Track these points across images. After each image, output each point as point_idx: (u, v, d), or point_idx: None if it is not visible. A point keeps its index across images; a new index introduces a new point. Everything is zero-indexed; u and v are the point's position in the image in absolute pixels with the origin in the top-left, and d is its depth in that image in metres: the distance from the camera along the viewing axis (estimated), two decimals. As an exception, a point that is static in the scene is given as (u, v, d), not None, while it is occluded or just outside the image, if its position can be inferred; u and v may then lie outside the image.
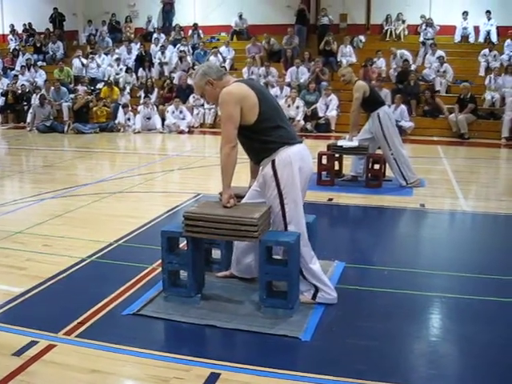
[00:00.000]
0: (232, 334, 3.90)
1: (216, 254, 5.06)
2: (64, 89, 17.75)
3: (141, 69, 19.17)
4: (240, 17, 21.11)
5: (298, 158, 4.25)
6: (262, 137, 4.21)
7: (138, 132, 15.96)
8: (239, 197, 4.47)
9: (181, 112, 16.32)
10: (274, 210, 4.27)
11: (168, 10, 21.85)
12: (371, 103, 8.82)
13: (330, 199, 8.06)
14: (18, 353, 3.60)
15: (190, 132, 16.23)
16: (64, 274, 4.99)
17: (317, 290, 4.35)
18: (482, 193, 9.00)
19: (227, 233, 4.11)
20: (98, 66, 19.44)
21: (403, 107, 14.99)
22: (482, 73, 17.57)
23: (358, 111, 8.84)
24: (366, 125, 9.09)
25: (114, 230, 6.28)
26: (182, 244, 4.68)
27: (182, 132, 15.97)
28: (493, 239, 6.43)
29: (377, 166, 9.05)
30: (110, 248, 5.73)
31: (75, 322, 4.00)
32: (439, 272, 5.19)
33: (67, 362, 3.51)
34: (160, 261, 5.09)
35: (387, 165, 9.08)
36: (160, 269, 4.98)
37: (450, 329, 4.07)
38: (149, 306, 4.29)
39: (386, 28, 20.40)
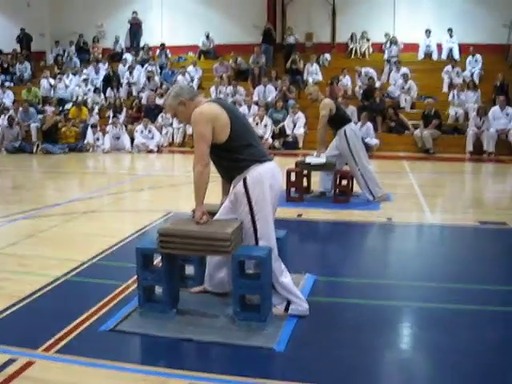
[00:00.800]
0: (208, 346, 4.00)
1: (189, 270, 5.16)
2: (32, 109, 17.75)
3: (109, 89, 19.28)
4: (207, 37, 21.38)
5: (269, 176, 4.39)
6: (233, 155, 4.34)
7: (108, 152, 16.03)
8: (211, 213, 4.58)
9: (149, 131, 16.42)
10: (246, 226, 4.39)
11: (135, 31, 22.04)
12: (338, 120, 9.02)
13: (300, 215, 8.21)
14: (-3, 370, 3.66)
15: (159, 151, 16.35)
16: (40, 293, 5.03)
17: (289, 302, 4.47)
18: (447, 206, 9.24)
19: (201, 248, 4.23)
20: (66, 86, 19.51)
21: (369, 124, 15.29)
22: (445, 89, 18.02)
23: (325, 128, 9.02)
24: (334, 141, 9.27)
25: (88, 249, 6.33)
26: (157, 261, 4.78)
27: (151, 151, 16.08)
28: (460, 250, 6.66)
29: (344, 182, 9.25)
30: (84, 266, 5.79)
31: (53, 339, 4.06)
32: (407, 283, 5.37)
33: (47, 377, 3.59)
34: (134, 278, 5.24)
35: (354, 180, 9.28)
36: (134, 286, 5.10)
37: (418, 337, 4.23)
38: (125, 321, 4.38)
39: (351, 46, 20.82)
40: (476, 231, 7.54)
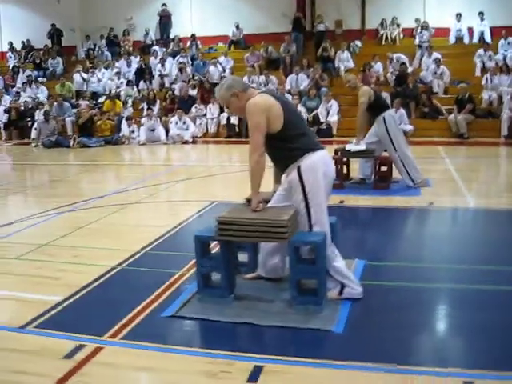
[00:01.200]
0: (268, 330, 4.11)
1: (242, 257, 5.26)
2: (67, 104, 18.00)
3: (141, 81, 19.46)
4: (237, 27, 21.41)
5: (322, 164, 4.47)
6: (287, 144, 4.43)
7: (143, 144, 16.21)
8: (266, 201, 4.68)
9: (184, 123, 16.57)
10: (300, 213, 4.48)
11: (165, 23, 22.18)
12: (376, 107, 9.05)
13: (342, 201, 8.27)
14: (69, 356, 3.79)
15: (194, 142, 16.48)
16: (97, 282, 5.19)
17: (343, 286, 4.56)
18: (487, 190, 9.26)
19: (259, 235, 4.33)
20: (99, 80, 19.74)
21: (402, 111, 15.22)
22: (478, 73, 17.87)
23: (364, 115, 9.06)
24: (372, 128, 9.30)
25: (138, 239, 6.48)
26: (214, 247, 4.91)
27: (186, 142, 16.22)
28: (504, 234, 6.68)
29: (384, 168, 9.29)
30: (136, 256, 5.93)
31: (118, 326, 4.21)
32: (454, 266, 5.44)
33: (117, 362, 3.72)
34: (187, 266, 5.41)
35: (394, 166, 9.31)
36: (189, 273, 5.26)
37: (462, 316, 4.29)
38: (185, 307, 4.50)
39: (381, 32, 20.71)
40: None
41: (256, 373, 3.51)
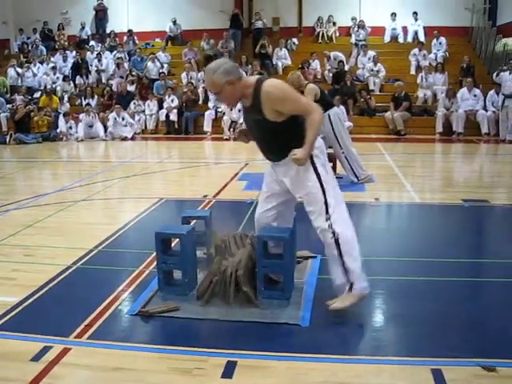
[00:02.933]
0: (234, 325, 4.15)
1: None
2: (1, 99, 17.53)
3: (78, 76, 19.13)
4: (174, 22, 21.32)
5: (324, 149, 4.54)
6: (295, 130, 4.23)
7: (81, 140, 15.97)
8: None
9: (123, 119, 16.40)
10: (315, 198, 4.36)
11: (101, 17, 21.89)
12: (322, 105, 9.05)
13: (289, 198, 8.35)
14: (36, 358, 3.72)
15: (133, 138, 16.33)
16: (55, 282, 5.10)
17: (352, 284, 4.30)
18: (429, 185, 9.57)
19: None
20: (34, 74, 19.33)
21: (342, 108, 15.46)
22: (413, 71, 18.37)
23: (310, 113, 9.16)
24: (317, 125, 9.40)
25: (90, 237, 6.41)
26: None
27: (125, 139, 16.06)
28: (448, 227, 6.93)
29: (329, 165, 9.41)
30: (91, 254, 5.86)
31: (82, 325, 4.16)
32: (401, 258, 5.67)
33: (87, 363, 3.68)
34: (145, 263, 5.40)
35: (338, 163, 9.47)
36: (148, 271, 5.25)
37: (419, 307, 4.45)
38: (148, 305, 4.49)
39: (317, 30, 20.99)
40: (461, 209, 7.80)
41: (230, 368, 3.54)
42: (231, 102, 4.38)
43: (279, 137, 4.29)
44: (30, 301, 4.67)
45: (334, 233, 4.29)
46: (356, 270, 4.26)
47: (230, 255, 4.79)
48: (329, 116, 9.12)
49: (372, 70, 18.01)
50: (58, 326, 4.18)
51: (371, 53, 18.59)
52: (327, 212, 4.31)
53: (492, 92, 15.61)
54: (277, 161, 4.48)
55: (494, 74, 15.61)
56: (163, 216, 7.50)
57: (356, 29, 20.12)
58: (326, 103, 9.23)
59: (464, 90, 15.87)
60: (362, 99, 16.80)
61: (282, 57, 19.40)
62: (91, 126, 16.29)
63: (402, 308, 4.48)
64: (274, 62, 19.28)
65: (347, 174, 9.37)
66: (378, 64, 18.05)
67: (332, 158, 9.28)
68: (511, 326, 4.12)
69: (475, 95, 15.79)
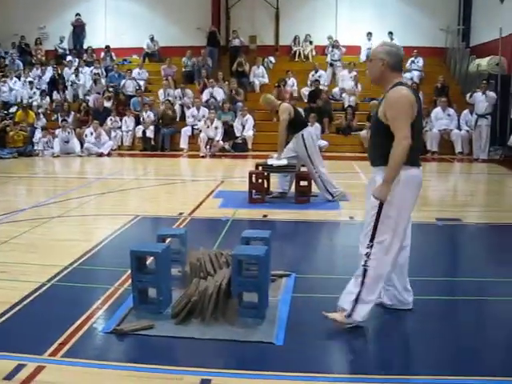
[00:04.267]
0: (209, 344, 4.17)
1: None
2: (-24, 113, 17.45)
3: (55, 92, 19.08)
4: (151, 39, 21.38)
5: (417, 183, 4.36)
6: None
7: (57, 156, 15.92)
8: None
9: (99, 135, 16.37)
10: (367, 219, 4.35)
11: (79, 33, 21.86)
12: (296, 124, 9.30)
13: (265, 215, 8.44)
14: (9, 377, 3.69)
15: (109, 154, 16.32)
16: (29, 299, 5.08)
17: (350, 315, 4.36)
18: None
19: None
20: (11, 89, 19.23)
21: (318, 126, 15.65)
22: (388, 91, 18.49)
23: (285, 131, 9.29)
24: (290, 144, 9.50)
25: (66, 254, 6.39)
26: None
27: (101, 155, 16.04)
28: (422, 245, 7.01)
29: (304, 183, 9.53)
30: (66, 271, 5.85)
31: (56, 343, 4.15)
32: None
33: (61, 381, 3.68)
34: (120, 280, 5.42)
35: (312, 181, 9.57)
36: (123, 288, 5.26)
37: (387, 324, 4.52)
38: (123, 323, 4.50)
39: (294, 49, 21.17)
40: (435, 228, 7.91)
41: (204, 387, 3.59)
42: (373, 78, 4.38)
43: (380, 137, 4.27)
44: (3, 318, 4.65)
45: (366, 262, 4.31)
46: (366, 305, 4.34)
47: (209, 274, 4.84)
48: (302, 136, 9.23)
49: (347, 89, 18.20)
50: (31, 343, 4.17)
51: (346, 71, 18.79)
52: (372, 239, 4.30)
53: (466, 111, 15.90)
54: (371, 164, 4.45)
55: (468, 95, 15.85)
56: (139, 233, 7.52)
57: (331, 49, 20.33)
58: (299, 123, 9.38)
59: (438, 109, 16.14)
60: (348, 117, 16.95)
61: (259, 75, 19.56)
62: (67, 142, 16.26)
63: (376, 326, 4.54)
64: (251, 80, 19.41)
65: (321, 192, 9.47)
66: (353, 83, 18.24)
67: (307, 177, 9.45)
68: (483, 344, 4.22)
69: (449, 115, 16.07)
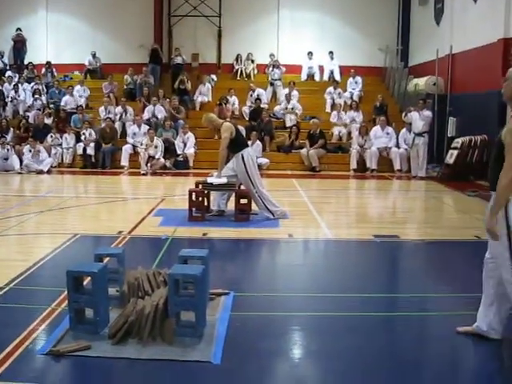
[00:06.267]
0: (146, 364, 4.19)
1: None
2: None
3: (-6, 107, 18.78)
4: (93, 56, 21.29)
5: None
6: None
7: (-5, 173, 15.64)
8: None
9: (39, 152, 16.16)
10: (501, 261, 4.28)
11: (19, 48, 21.58)
12: (236, 144, 9.41)
13: (205, 234, 8.49)
14: None
15: (49, 172, 16.11)
16: (-37, 320, 5.04)
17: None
18: (342, 221, 9.90)
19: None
20: None
21: (259, 143, 15.84)
22: (328, 109, 18.90)
23: (226, 150, 9.40)
24: (230, 163, 9.59)
25: (2, 274, 6.29)
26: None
27: (40, 172, 15.82)
28: (360, 263, 7.23)
29: (244, 201, 9.61)
30: (2, 292, 5.77)
31: (-8, 365, 4.13)
32: (315, 294, 5.85)
33: (-3, 403, 3.67)
34: (57, 301, 5.38)
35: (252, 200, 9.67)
36: (60, 308, 5.23)
37: (327, 342, 4.64)
38: (59, 344, 4.49)
39: (236, 67, 21.37)
40: (373, 244, 8.12)
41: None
42: (505, 97, 4.27)
43: (498, 161, 4.14)
44: None
45: None
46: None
47: (147, 293, 4.87)
48: (242, 156, 9.33)
49: (286, 108, 18.48)
50: (-35, 366, 4.13)
51: (287, 90, 19.06)
52: None
53: (404, 130, 16.31)
54: (490, 188, 4.34)
55: (403, 115, 16.25)
56: (77, 252, 7.47)
57: (271, 68, 20.59)
58: (240, 142, 9.51)
59: (377, 127, 16.54)
60: (291, 136, 17.16)
61: (204, 92, 19.68)
62: (6, 159, 15.97)
63: (317, 344, 4.65)
64: (194, 98, 19.49)
65: (261, 211, 9.57)
66: (293, 102, 18.53)
67: (247, 195, 9.55)
68: (423, 358, 4.37)
69: (388, 133, 16.48)
